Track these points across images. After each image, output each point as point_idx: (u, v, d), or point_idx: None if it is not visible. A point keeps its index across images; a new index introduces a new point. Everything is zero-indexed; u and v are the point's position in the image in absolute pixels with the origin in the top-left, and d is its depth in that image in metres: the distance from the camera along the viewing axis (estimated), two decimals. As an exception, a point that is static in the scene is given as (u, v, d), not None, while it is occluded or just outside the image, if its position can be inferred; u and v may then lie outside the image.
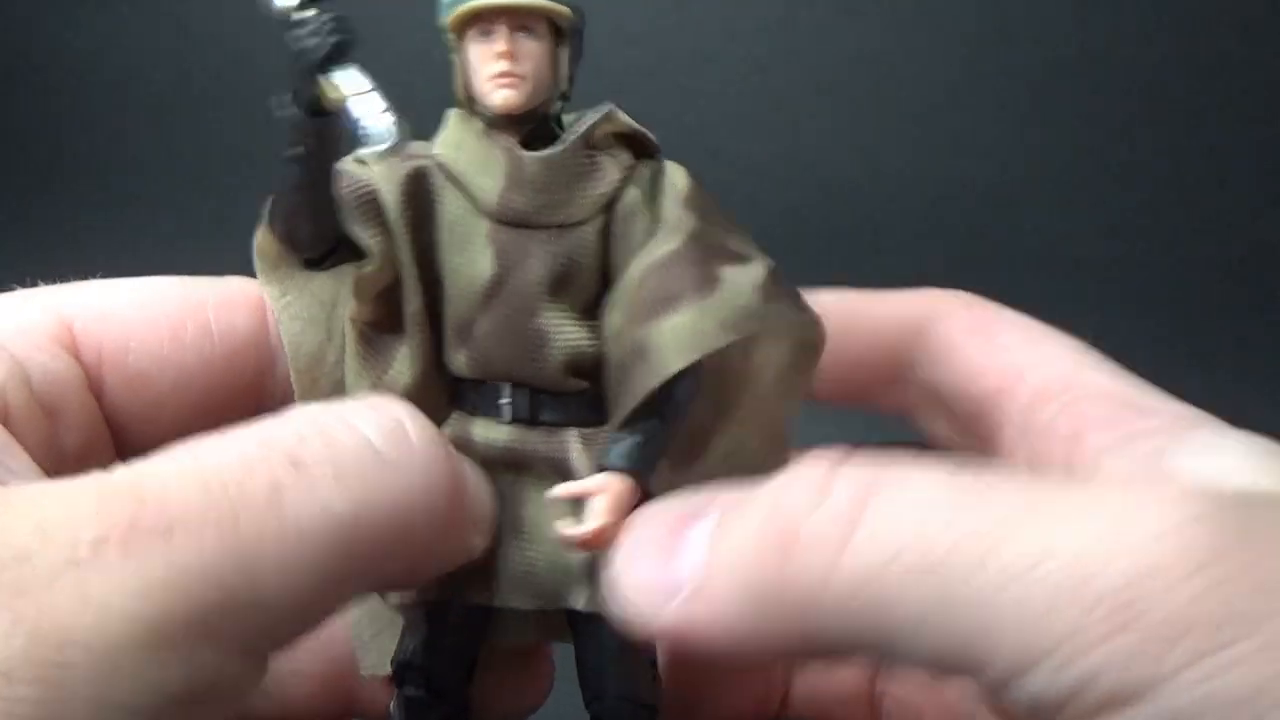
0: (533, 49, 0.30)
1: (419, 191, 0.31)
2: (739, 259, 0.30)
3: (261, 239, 0.32)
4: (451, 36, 0.31)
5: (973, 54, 0.93)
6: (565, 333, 0.31)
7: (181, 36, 1.10)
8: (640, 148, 0.32)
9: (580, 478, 0.30)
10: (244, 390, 0.34)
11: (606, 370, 0.31)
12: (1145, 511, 0.22)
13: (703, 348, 0.29)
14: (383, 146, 0.26)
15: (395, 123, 0.27)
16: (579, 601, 0.31)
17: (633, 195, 0.31)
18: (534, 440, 0.31)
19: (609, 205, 0.31)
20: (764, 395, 0.33)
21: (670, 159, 0.32)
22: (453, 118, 0.32)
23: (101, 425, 0.33)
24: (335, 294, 0.33)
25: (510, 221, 0.31)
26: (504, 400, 0.31)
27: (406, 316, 0.32)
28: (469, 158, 0.31)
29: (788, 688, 0.38)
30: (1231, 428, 0.30)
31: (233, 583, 0.22)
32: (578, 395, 0.31)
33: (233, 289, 0.35)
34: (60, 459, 0.30)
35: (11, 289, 0.33)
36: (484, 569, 0.31)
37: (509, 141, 0.31)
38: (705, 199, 0.31)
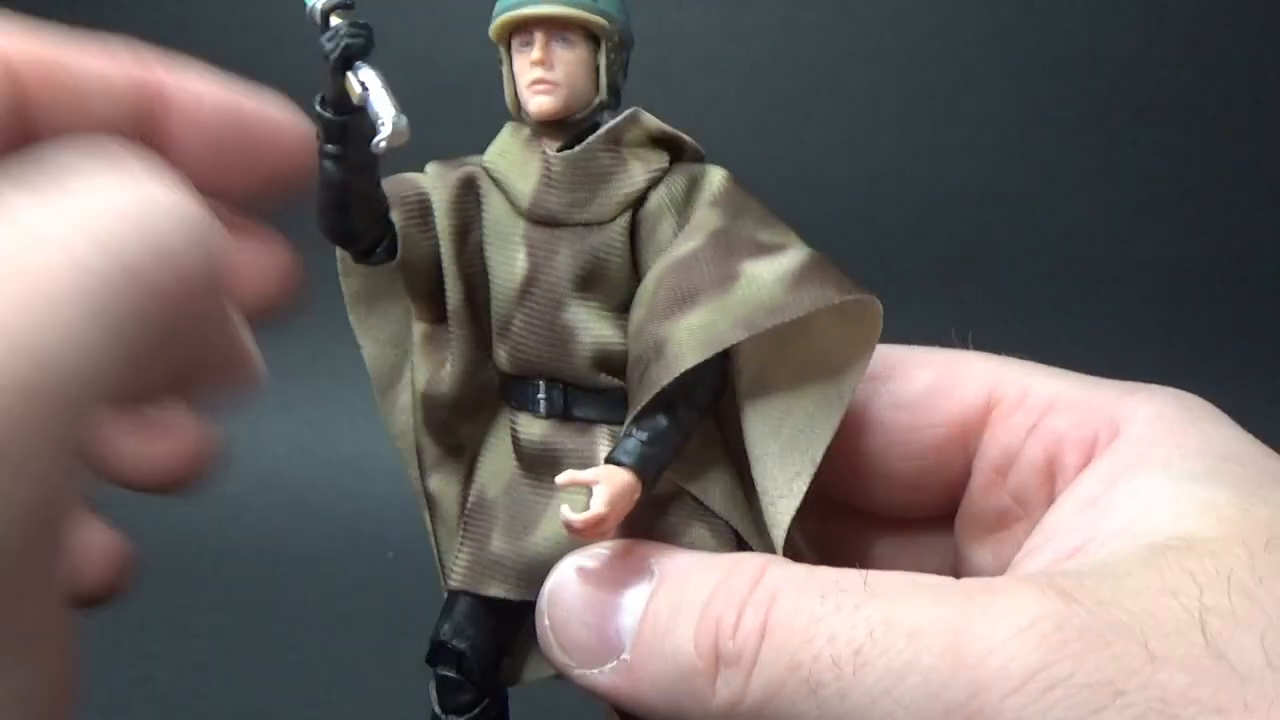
0: (568, 57, 0.31)
1: (467, 196, 0.33)
2: (768, 251, 0.31)
3: (342, 267, 0.34)
4: (500, 49, 0.32)
5: (973, 55, 0.93)
6: (593, 328, 0.32)
7: (182, 36, 1.10)
8: (679, 151, 0.33)
9: None
10: None
11: (629, 367, 0.32)
12: (989, 621, 0.24)
13: (716, 345, 0.30)
14: (395, 137, 0.28)
15: (402, 117, 0.28)
16: None
17: (660, 196, 0.32)
18: (565, 437, 0.33)
19: (635, 206, 0.32)
20: (819, 361, 0.32)
21: None
22: (506, 127, 0.34)
23: None
24: (410, 316, 0.35)
25: (542, 221, 0.32)
26: (540, 395, 0.33)
27: (449, 314, 0.33)
28: (510, 162, 0.33)
29: None
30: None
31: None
32: (609, 393, 0.32)
33: None
34: None
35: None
36: (504, 562, 0.33)
37: (549, 146, 0.32)
38: (740, 196, 0.32)
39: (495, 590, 0.33)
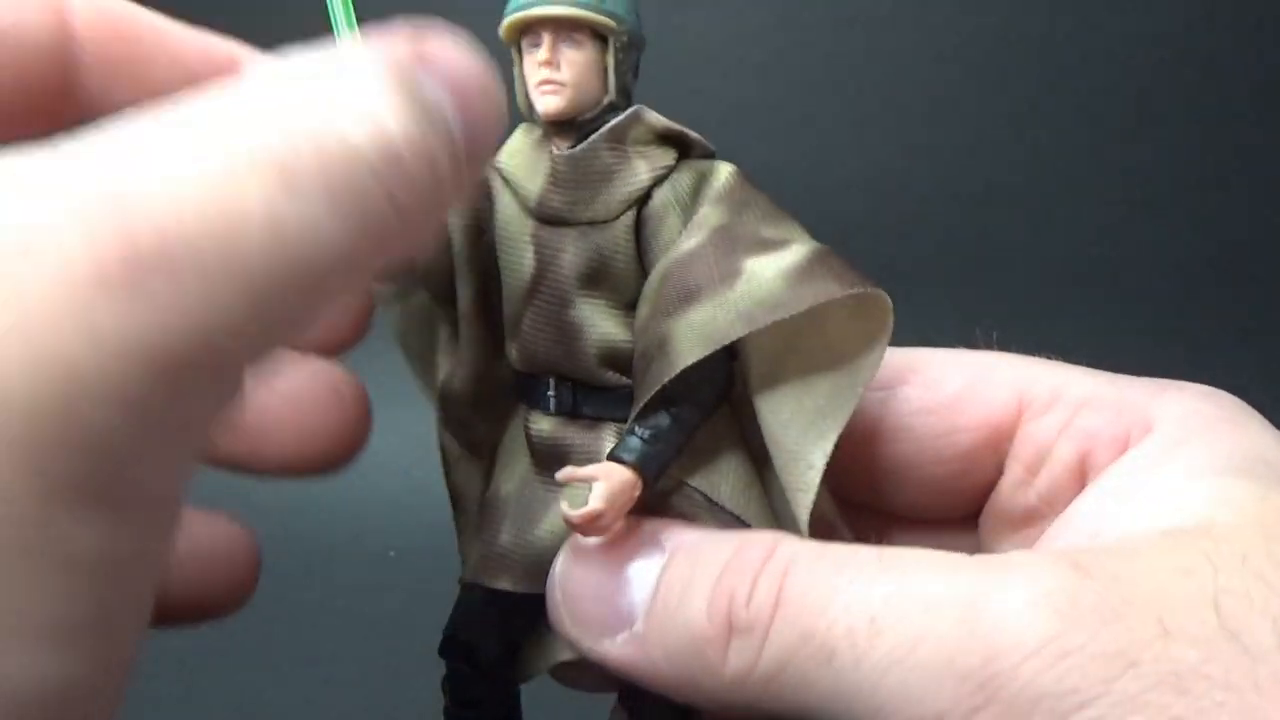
0: (575, 58, 0.31)
1: (479, 196, 0.33)
2: (772, 247, 0.31)
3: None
4: (512, 50, 0.33)
5: (973, 55, 0.93)
6: (600, 326, 0.32)
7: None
8: (686, 148, 0.33)
9: None
10: (38, 100, 0.28)
11: (635, 364, 0.32)
12: (1004, 590, 0.25)
13: (717, 341, 0.30)
14: None
15: None
16: None
17: (664, 194, 0.32)
18: (573, 433, 0.33)
19: (639, 204, 0.32)
20: (832, 355, 0.32)
21: None
22: (518, 128, 0.34)
23: None
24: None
25: (548, 219, 0.32)
26: (550, 392, 0.33)
27: (459, 313, 0.34)
28: (520, 162, 0.33)
29: None
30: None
31: (239, 320, 0.20)
32: (616, 390, 0.33)
33: None
34: None
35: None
36: (511, 555, 0.33)
37: (558, 146, 0.32)
38: (745, 192, 0.32)
39: (502, 583, 0.33)
